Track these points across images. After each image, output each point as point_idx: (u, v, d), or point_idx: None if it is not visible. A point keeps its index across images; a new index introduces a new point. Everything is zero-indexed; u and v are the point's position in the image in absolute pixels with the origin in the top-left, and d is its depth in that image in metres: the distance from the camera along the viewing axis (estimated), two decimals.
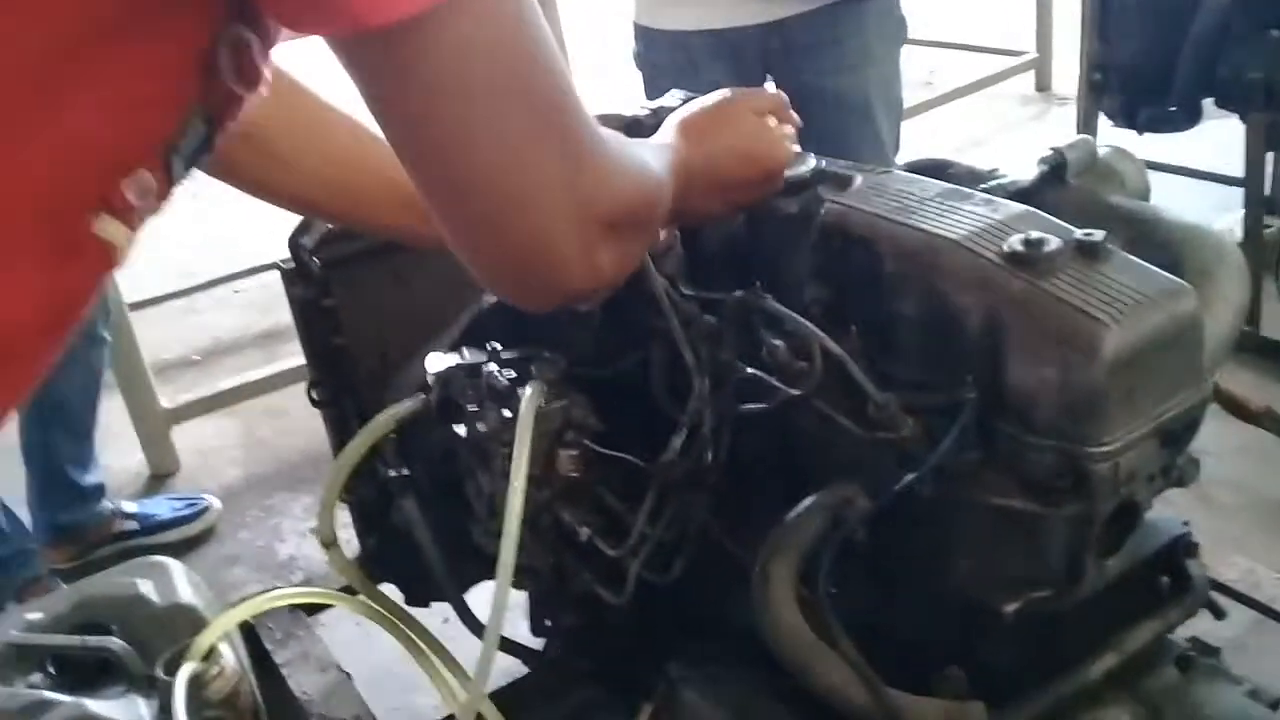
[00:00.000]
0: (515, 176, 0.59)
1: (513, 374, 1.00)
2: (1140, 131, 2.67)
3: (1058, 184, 1.01)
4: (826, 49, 1.91)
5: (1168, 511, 0.91)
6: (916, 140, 3.89)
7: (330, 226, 1.22)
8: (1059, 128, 3.98)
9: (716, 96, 0.95)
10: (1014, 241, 0.81)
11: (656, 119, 1.33)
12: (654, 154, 0.80)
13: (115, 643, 1.24)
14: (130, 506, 2.33)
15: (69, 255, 0.55)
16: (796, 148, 0.98)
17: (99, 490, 2.27)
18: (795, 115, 1.01)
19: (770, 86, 2.07)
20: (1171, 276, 0.81)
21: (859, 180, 0.98)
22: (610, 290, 0.73)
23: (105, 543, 2.26)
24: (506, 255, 0.63)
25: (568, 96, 0.60)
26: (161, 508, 2.36)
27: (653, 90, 2.04)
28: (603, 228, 0.65)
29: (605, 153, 0.65)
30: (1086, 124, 2.69)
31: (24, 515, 2.15)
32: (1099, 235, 0.81)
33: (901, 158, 2.14)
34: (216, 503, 2.40)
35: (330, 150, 0.93)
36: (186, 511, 2.36)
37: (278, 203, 0.96)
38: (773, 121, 0.95)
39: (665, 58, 1.98)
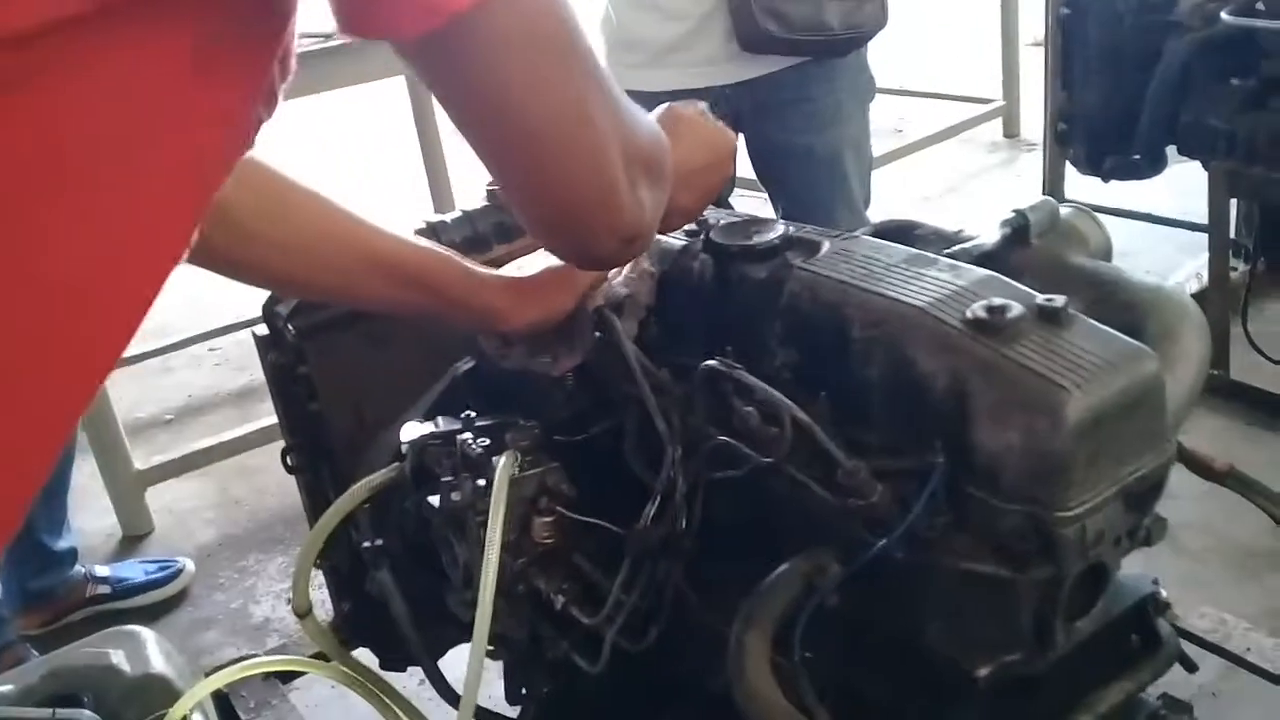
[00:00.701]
0: (582, 123, 0.67)
1: (487, 442, 1.01)
2: (1106, 179, 2.71)
3: (1021, 245, 1.03)
4: (798, 107, 1.94)
5: (1138, 557, 0.92)
6: (888, 187, 3.95)
7: None
8: (1027, 173, 4.05)
9: (656, 111, 1.01)
10: (977, 308, 0.83)
11: None
12: None
13: (86, 715, 1.22)
14: (103, 570, 2.31)
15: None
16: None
17: (71, 555, 2.25)
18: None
19: (742, 146, 2.10)
20: (1132, 340, 0.82)
21: (826, 246, 0.99)
22: (646, 241, 0.82)
23: (78, 608, 2.23)
24: (574, 197, 0.72)
25: (593, 54, 0.68)
26: (134, 571, 2.34)
27: None
28: (640, 169, 0.74)
29: (630, 104, 0.74)
30: (1053, 172, 2.73)
31: None
32: (1060, 300, 0.83)
33: (873, 207, 2.18)
34: (190, 565, 2.38)
35: (299, 225, 0.94)
36: (160, 574, 2.33)
37: (254, 281, 0.97)
38: (707, 116, 1.04)
39: None
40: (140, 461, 2.55)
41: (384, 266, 0.98)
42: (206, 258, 0.90)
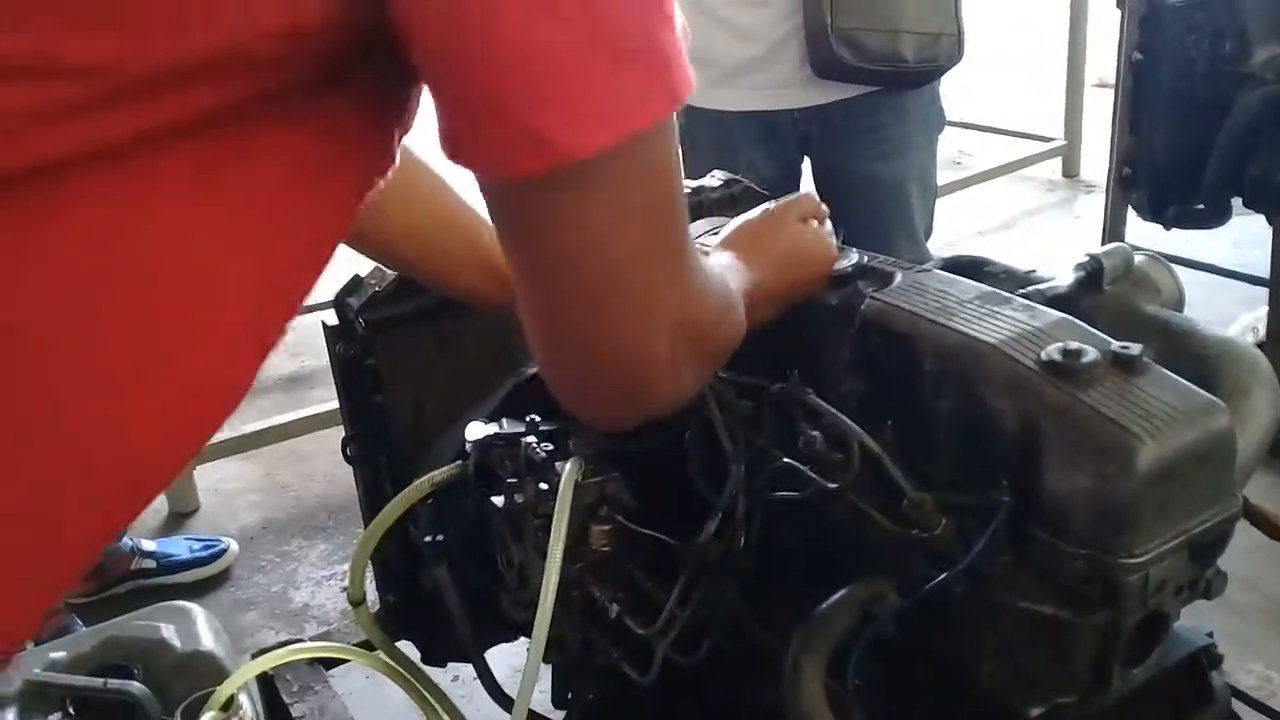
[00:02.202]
0: (638, 292, 0.63)
1: (551, 446, 1.02)
2: (1168, 227, 2.70)
3: (1094, 290, 1.03)
4: (866, 136, 1.95)
5: (1186, 612, 0.92)
6: (944, 219, 3.93)
7: (377, 288, 1.25)
8: (1086, 214, 4.03)
9: (760, 210, 0.99)
10: (1052, 350, 0.83)
11: (697, 198, 1.37)
12: (730, 276, 0.84)
13: (136, 686, 1.25)
14: (149, 545, 2.35)
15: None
16: (837, 245, 1.02)
17: None
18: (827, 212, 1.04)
19: (807, 168, 2.11)
20: (1206, 393, 0.82)
21: (899, 277, 1.00)
22: (669, 410, 0.76)
23: (123, 580, 2.27)
24: (606, 369, 0.66)
25: (684, 215, 0.64)
26: (179, 548, 2.38)
27: (692, 165, 2.08)
28: (691, 345, 0.68)
29: (703, 274, 0.68)
30: (1115, 217, 2.72)
31: None
32: (1135, 348, 0.83)
33: (932, 240, 2.18)
34: (234, 545, 2.42)
35: (421, 204, 0.96)
36: (204, 553, 2.37)
37: (365, 252, 0.99)
38: (814, 224, 0.99)
39: (705, 136, 2.02)
40: None
41: (485, 264, 1.00)
42: None
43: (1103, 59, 3.89)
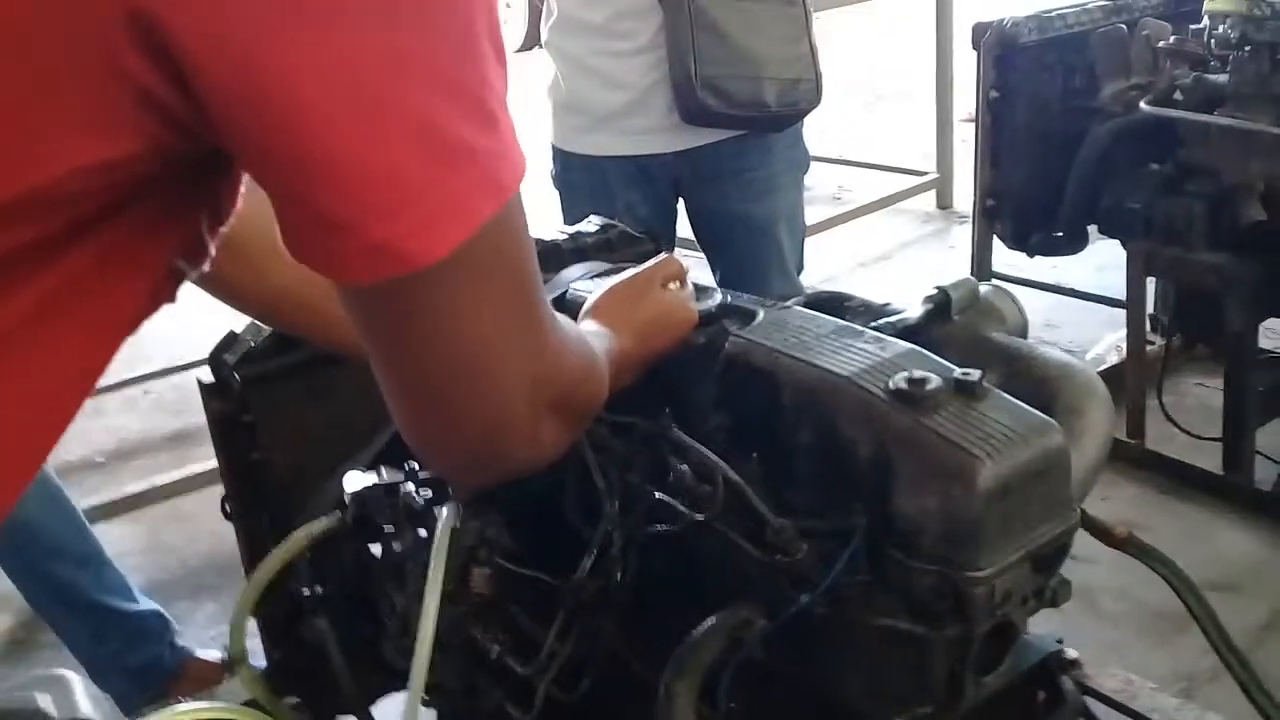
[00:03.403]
0: (492, 365, 0.65)
1: (429, 493, 1.04)
2: (1031, 255, 2.84)
3: (943, 320, 1.09)
4: (735, 178, 2.02)
5: (1056, 619, 0.97)
6: (826, 253, 4.07)
7: (253, 343, 1.25)
8: (959, 244, 4.19)
9: (624, 278, 1.02)
10: (899, 379, 0.88)
11: (575, 244, 1.40)
12: (594, 341, 0.88)
13: None
14: None
15: None
16: (696, 305, 1.06)
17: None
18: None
19: (681, 209, 2.17)
20: (1040, 414, 0.88)
21: (761, 315, 1.05)
22: (529, 471, 0.78)
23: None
24: (461, 436, 0.69)
25: (538, 283, 0.67)
26: None
27: (569, 209, 2.12)
28: (552, 408, 0.71)
29: (563, 338, 0.72)
30: (981, 246, 2.84)
31: None
32: (976, 374, 0.89)
33: (812, 272, 2.26)
34: None
35: (296, 264, 0.97)
36: None
37: (246, 310, 0.99)
38: (675, 285, 1.04)
39: (581, 180, 2.07)
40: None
41: None
42: (215, 285, 0.93)
43: (971, 95, 4.07)
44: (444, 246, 0.56)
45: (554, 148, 2.15)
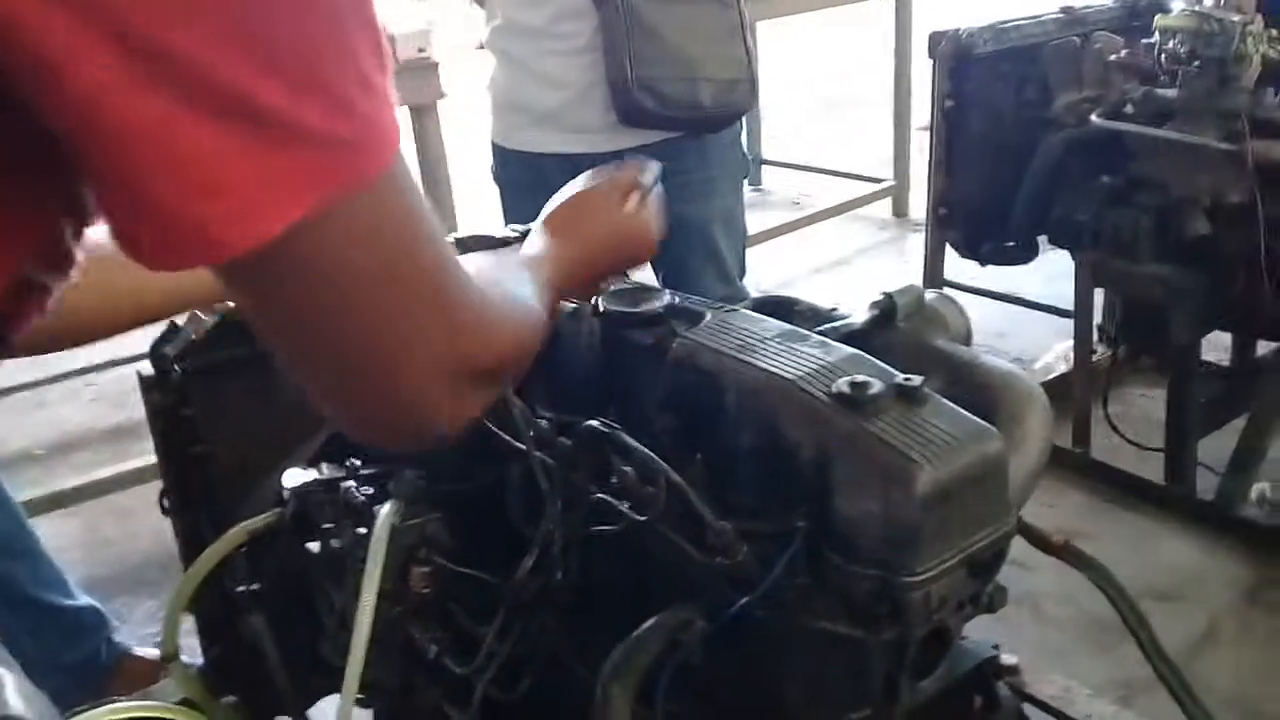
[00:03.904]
0: (396, 352, 0.61)
1: (370, 490, 1.03)
2: (983, 264, 2.87)
3: (887, 327, 1.09)
4: (672, 180, 2.00)
5: (1000, 625, 0.98)
6: (783, 258, 4.09)
7: (194, 336, 1.23)
8: (913, 252, 4.23)
9: (580, 184, 1.00)
10: (842, 384, 0.88)
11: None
12: (529, 279, 0.84)
13: None
14: None
15: None
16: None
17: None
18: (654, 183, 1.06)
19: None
20: (979, 420, 0.89)
21: (708, 317, 1.05)
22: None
23: None
24: (378, 414, 0.65)
25: (446, 265, 0.62)
26: None
27: (509, 206, 2.12)
28: (473, 377, 0.67)
29: (482, 312, 0.67)
30: (934, 254, 2.86)
31: None
32: (917, 380, 0.89)
33: (769, 276, 2.26)
34: None
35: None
36: None
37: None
38: (636, 198, 1.00)
39: (519, 176, 2.07)
40: None
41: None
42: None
43: (928, 104, 4.12)
44: (273, 226, 0.51)
45: (494, 144, 2.15)
